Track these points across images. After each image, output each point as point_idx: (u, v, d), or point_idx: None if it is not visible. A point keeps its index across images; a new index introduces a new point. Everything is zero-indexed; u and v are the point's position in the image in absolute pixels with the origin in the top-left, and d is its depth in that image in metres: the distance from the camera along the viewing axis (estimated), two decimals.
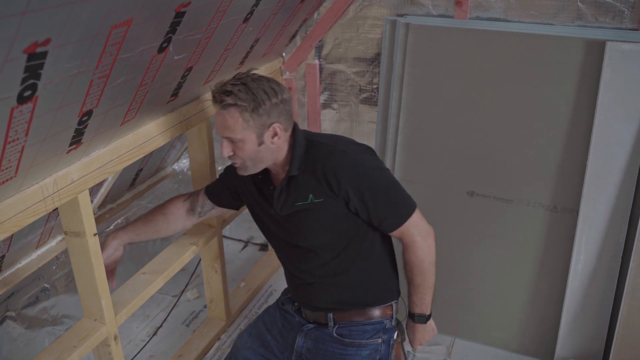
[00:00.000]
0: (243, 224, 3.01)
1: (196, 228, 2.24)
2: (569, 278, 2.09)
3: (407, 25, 2.15)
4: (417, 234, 1.56)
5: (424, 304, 1.62)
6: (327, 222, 1.57)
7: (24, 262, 2.06)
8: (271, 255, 2.87)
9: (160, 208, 1.89)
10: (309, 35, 2.44)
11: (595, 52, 1.91)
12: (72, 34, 1.05)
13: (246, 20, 1.77)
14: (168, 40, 1.42)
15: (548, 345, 2.21)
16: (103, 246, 1.76)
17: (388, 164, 2.32)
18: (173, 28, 1.39)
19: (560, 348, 2.17)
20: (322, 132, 2.64)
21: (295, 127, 1.60)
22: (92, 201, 2.20)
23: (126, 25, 1.19)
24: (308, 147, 1.58)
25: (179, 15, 1.35)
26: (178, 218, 1.88)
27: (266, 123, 1.49)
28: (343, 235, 1.58)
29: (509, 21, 2.12)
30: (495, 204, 2.17)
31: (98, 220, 2.34)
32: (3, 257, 1.87)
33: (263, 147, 1.52)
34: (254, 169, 1.58)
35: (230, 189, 1.80)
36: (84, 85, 1.25)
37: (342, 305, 1.66)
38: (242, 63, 2.12)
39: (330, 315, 1.67)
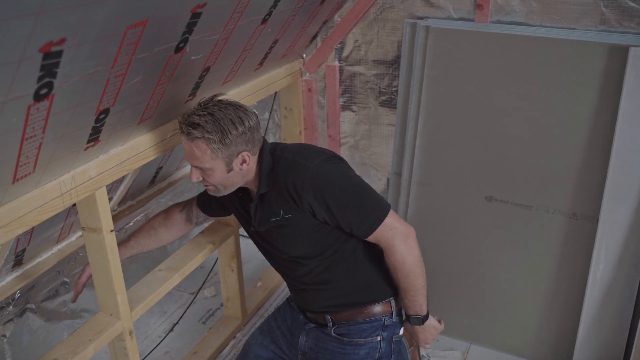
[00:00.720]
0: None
1: (214, 227, 2.27)
2: (587, 286, 2.05)
3: (427, 28, 2.14)
4: (394, 236, 1.53)
5: (416, 305, 1.60)
6: (301, 235, 1.58)
7: (44, 256, 2.10)
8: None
9: (162, 220, 1.94)
10: (329, 37, 2.44)
11: (618, 57, 1.88)
12: (87, 34, 1.07)
13: (264, 21, 1.78)
14: (185, 41, 1.44)
15: (564, 353, 2.18)
16: None
17: (406, 167, 2.32)
18: (189, 28, 1.40)
19: (577, 357, 2.13)
20: (341, 134, 2.64)
21: (263, 145, 1.60)
22: (112, 198, 2.24)
23: (142, 25, 1.21)
24: (273, 163, 1.58)
25: (195, 16, 1.37)
26: (178, 228, 1.95)
27: (234, 152, 1.51)
28: (322, 244, 1.59)
29: (531, 25, 2.10)
30: (514, 209, 2.15)
31: (118, 216, 2.38)
32: (24, 250, 1.92)
33: (232, 173, 1.54)
34: (225, 192, 1.61)
35: (217, 200, 1.83)
36: (101, 84, 1.27)
37: (337, 307, 1.66)
38: (261, 64, 2.13)
39: (328, 316, 1.68)
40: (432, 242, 2.31)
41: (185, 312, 2.51)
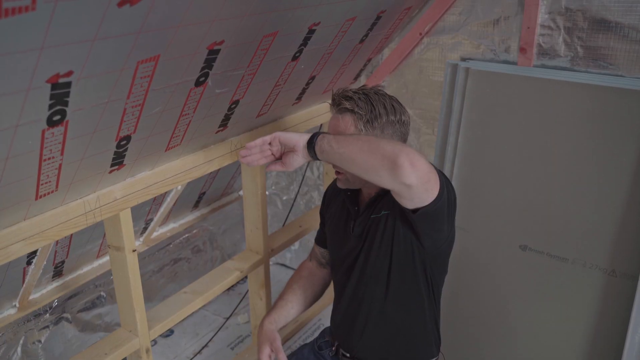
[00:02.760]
0: (303, 254, 3.06)
1: (244, 255, 2.30)
2: (624, 350, 1.91)
3: (467, 70, 2.12)
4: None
5: (333, 144, 1.39)
6: (388, 240, 1.55)
7: (84, 270, 2.23)
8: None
9: (297, 275, 1.87)
10: (373, 75, 2.46)
11: None
12: (95, 67, 1.15)
13: (295, 58, 1.83)
14: (205, 75, 1.50)
15: None
16: (262, 333, 1.69)
17: None
18: (209, 64, 1.46)
19: None
20: None
21: None
22: (152, 219, 2.35)
23: (154, 60, 1.28)
24: None
25: (213, 52, 1.43)
26: (316, 275, 1.86)
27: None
28: (404, 265, 1.56)
29: (576, 71, 2.03)
30: (549, 261, 2.05)
31: (159, 237, 2.49)
32: (63, 262, 2.04)
33: None
34: (353, 183, 1.57)
35: (325, 223, 1.82)
36: (117, 113, 1.35)
37: (384, 355, 1.64)
38: (299, 99, 2.18)
39: None
40: (463, 287, 2.25)
41: (214, 336, 2.57)
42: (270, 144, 1.52)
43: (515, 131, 2.06)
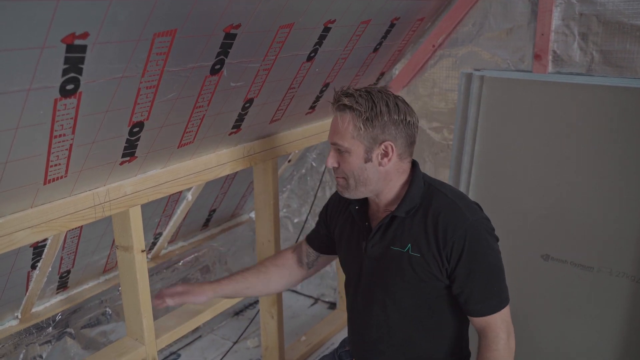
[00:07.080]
0: (314, 280, 2.97)
1: None
2: None
3: (482, 78, 2.10)
4: (503, 330, 1.43)
5: None
6: (414, 280, 1.45)
7: (90, 284, 2.16)
8: (338, 313, 2.78)
9: (272, 260, 1.79)
10: None
11: None
12: (112, 32, 1.13)
13: (310, 59, 1.82)
14: (221, 63, 1.49)
15: None
16: (197, 287, 1.69)
17: None
18: (224, 49, 1.45)
19: None
20: None
21: (415, 165, 1.50)
22: (161, 233, 2.29)
23: (170, 35, 1.26)
24: (426, 191, 1.47)
25: (229, 36, 1.42)
26: (291, 270, 1.77)
27: (378, 138, 1.40)
28: (426, 297, 1.47)
29: (592, 75, 2.00)
30: (573, 270, 1.97)
31: (167, 255, 2.42)
32: (68, 272, 1.98)
33: (369, 165, 1.42)
34: (355, 191, 1.47)
35: (326, 227, 1.71)
36: (132, 92, 1.33)
37: None
38: (312, 108, 2.16)
39: None
40: None
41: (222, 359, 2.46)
42: None
43: (532, 138, 2.02)
